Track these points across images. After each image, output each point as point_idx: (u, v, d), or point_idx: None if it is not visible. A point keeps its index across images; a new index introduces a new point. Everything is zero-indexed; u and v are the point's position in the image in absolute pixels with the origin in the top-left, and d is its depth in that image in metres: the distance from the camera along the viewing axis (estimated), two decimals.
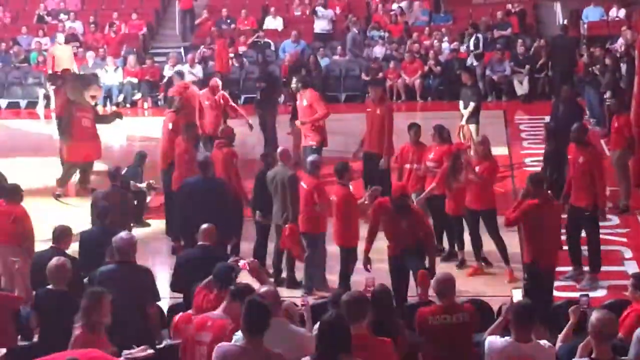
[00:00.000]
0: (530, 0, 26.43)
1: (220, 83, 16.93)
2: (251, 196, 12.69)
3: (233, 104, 16.97)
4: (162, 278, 10.78)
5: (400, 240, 10.77)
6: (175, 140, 13.92)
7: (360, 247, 11.28)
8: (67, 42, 23.27)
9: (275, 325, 6.97)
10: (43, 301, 8.76)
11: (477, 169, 12.14)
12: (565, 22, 24.30)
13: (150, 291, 8.88)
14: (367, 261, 11.05)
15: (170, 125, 14.47)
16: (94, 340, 7.48)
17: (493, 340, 7.32)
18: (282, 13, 26.78)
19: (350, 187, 11.82)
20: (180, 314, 8.37)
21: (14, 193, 11.55)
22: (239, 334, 6.94)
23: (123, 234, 9.11)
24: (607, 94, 18.80)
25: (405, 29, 25.72)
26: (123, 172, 13.50)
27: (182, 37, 26.86)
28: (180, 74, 19.49)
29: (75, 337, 7.61)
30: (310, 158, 12.39)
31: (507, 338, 7.25)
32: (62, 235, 10.12)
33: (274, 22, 26.47)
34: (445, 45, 24.51)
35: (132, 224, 12.80)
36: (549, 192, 12.53)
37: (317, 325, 6.84)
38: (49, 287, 8.72)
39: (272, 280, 11.78)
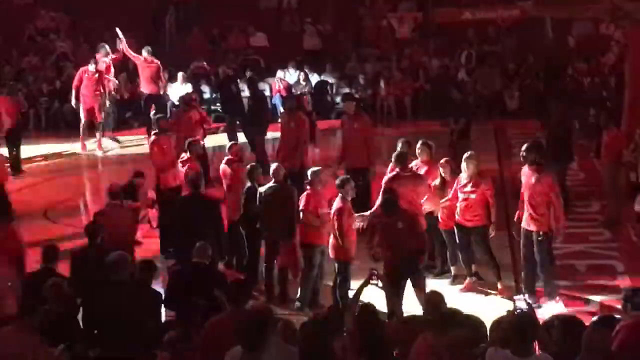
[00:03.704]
0: (521, 15, 26.44)
1: None
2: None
3: None
4: None
5: (399, 245, 10.81)
6: (164, 158, 14.03)
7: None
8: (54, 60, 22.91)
9: (273, 345, 6.97)
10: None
11: (469, 186, 12.15)
12: (551, 35, 24.44)
13: (150, 310, 8.81)
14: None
15: (155, 148, 14.54)
16: None
17: (492, 354, 7.06)
18: (271, 29, 26.73)
19: (349, 200, 11.72)
20: (170, 332, 8.37)
21: (1, 211, 11.54)
22: (234, 349, 6.93)
23: (118, 252, 9.12)
24: (592, 109, 18.91)
25: (395, 44, 25.74)
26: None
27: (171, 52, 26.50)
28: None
29: None
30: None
31: (506, 351, 6.96)
32: (52, 254, 10.12)
33: (261, 39, 26.43)
34: (434, 61, 24.56)
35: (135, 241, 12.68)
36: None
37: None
38: (46, 307, 8.69)
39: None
